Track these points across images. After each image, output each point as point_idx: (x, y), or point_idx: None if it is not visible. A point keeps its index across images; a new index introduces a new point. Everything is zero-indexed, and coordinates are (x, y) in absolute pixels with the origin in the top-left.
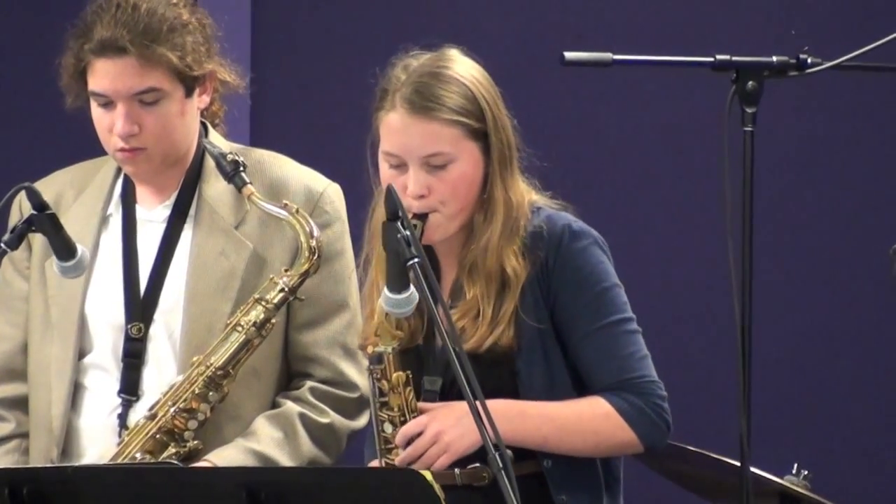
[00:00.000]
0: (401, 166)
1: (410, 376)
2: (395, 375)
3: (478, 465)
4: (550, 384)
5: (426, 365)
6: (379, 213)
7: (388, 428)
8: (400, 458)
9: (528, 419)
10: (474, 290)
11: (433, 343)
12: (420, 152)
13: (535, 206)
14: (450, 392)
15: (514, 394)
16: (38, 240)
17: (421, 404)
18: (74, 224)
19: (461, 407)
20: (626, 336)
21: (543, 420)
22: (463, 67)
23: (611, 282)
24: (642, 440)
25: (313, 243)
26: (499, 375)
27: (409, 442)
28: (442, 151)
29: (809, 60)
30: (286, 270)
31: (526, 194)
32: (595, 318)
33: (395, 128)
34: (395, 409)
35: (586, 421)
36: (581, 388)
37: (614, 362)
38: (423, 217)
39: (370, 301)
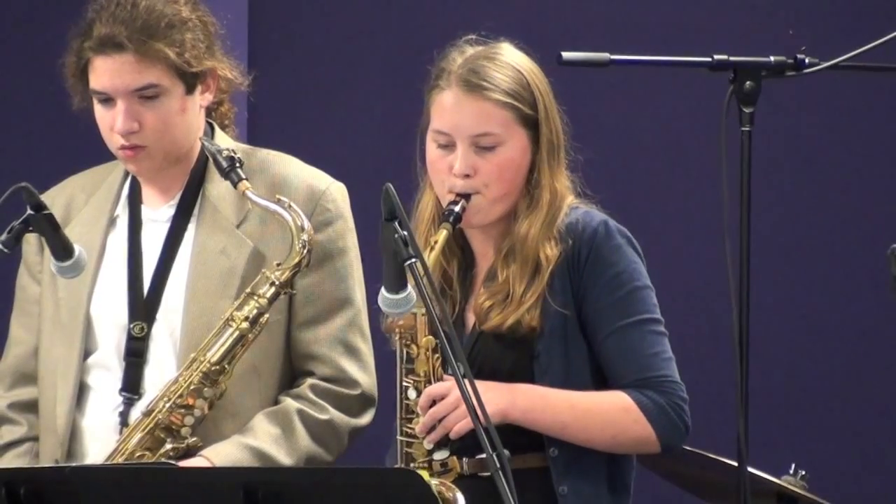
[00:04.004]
0: (449, 146)
1: (439, 344)
2: (424, 339)
3: (484, 455)
4: (566, 372)
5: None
6: (426, 201)
7: (411, 394)
8: (422, 421)
9: (549, 402)
10: (507, 272)
11: (459, 330)
12: (470, 131)
13: (573, 206)
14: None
15: (530, 376)
16: None
17: (446, 376)
18: (84, 226)
19: (487, 382)
20: (652, 336)
21: (565, 406)
22: (519, 57)
23: (643, 282)
24: (660, 438)
25: (304, 237)
26: (517, 355)
27: (432, 407)
28: (491, 132)
29: (807, 60)
30: (278, 264)
31: (567, 193)
32: (624, 315)
33: (447, 106)
34: (421, 375)
35: (606, 412)
36: (602, 386)
37: (639, 360)
38: (465, 198)
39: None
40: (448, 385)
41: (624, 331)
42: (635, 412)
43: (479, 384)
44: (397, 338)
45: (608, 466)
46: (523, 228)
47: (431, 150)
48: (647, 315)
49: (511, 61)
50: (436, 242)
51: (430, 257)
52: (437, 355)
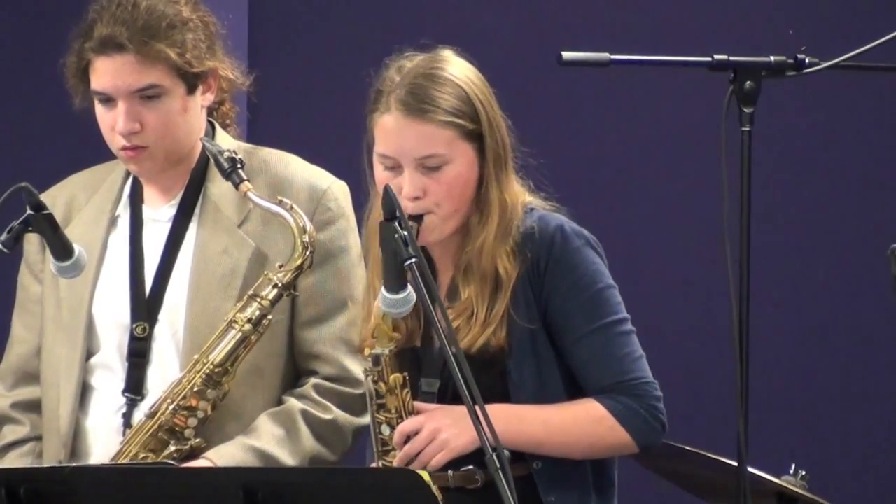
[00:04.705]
0: (395, 168)
1: (407, 378)
2: (392, 377)
3: (471, 467)
4: (540, 385)
5: (424, 367)
6: (375, 215)
7: (385, 430)
8: (398, 457)
9: (524, 423)
10: (469, 290)
11: (431, 345)
12: (415, 154)
13: (528, 207)
14: (447, 394)
15: (505, 394)
16: None
17: (417, 404)
18: (85, 225)
19: (458, 408)
20: (620, 337)
21: (539, 423)
22: (457, 68)
23: (605, 283)
24: (637, 441)
25: (306, 238)
26: (490, 376)
27: (407, 441)
28: (437, 153)
29: (807, 60)
30: (280, 266)
31: (520, 195)
32: (590, 319)
33: (389, 130)
34: (393, 411)
35: (581, 424)
36: (575, 390)
37: (609, 364)
38: (418, 219)
39: (367, 303)
40: (420, 420)
41: (592, 336)
42: (609, 420)
43: (453, 409)
44: (365, 376)
45: (593, 471)
46: (478, 242)
47: (379, 172)
48: (614, 317)
49: (450, 75)
50: None
51: None
52: (406, 390)
